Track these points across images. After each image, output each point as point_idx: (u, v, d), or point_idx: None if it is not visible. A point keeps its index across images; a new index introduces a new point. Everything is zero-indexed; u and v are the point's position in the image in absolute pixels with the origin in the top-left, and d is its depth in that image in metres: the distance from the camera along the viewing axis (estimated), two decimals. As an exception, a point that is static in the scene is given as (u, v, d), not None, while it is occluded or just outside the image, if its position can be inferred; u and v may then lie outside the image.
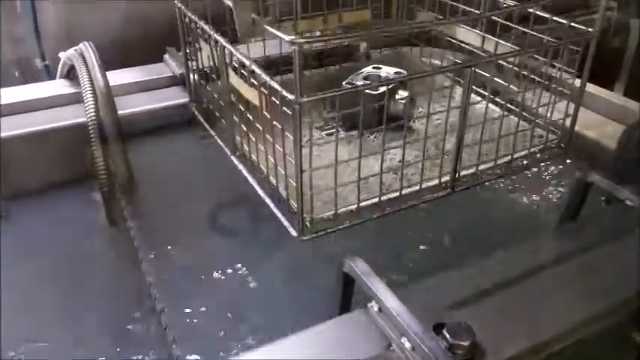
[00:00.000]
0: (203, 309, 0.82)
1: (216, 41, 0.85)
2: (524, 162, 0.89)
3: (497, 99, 0.90)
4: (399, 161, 0.79)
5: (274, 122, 0.74)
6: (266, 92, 0.74)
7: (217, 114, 0.98)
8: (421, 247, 0.89)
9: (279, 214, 0.76)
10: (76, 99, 1.14)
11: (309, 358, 0.59)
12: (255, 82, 0.76)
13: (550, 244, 0.75)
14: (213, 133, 0.99)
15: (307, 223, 0.74)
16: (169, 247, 0.93)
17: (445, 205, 0.86)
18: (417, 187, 0.80)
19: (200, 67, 1.03)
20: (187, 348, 0.74)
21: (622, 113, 1.12)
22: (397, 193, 0.79)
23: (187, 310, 0.82)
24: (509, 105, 0.89)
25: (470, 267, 0.69)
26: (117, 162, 1.00)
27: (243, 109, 0.84)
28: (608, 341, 0.68)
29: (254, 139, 0.83)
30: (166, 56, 1.29)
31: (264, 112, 0.76)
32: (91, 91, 1.03)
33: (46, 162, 1.08)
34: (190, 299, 0.83)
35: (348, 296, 0.69)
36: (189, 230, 0.99)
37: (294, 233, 0.74)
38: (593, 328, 0.65)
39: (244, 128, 0.85)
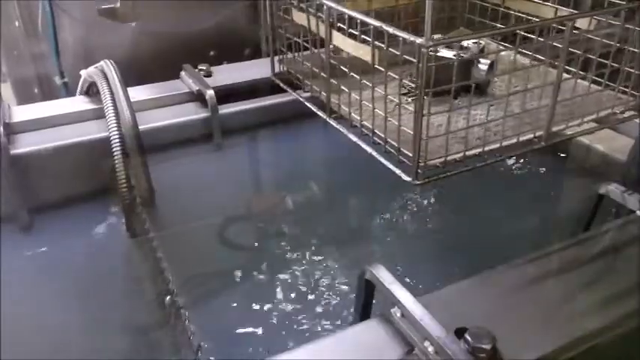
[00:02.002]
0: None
1: (321, 4, 0.89)
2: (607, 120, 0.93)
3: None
4: (489, 120, 0.86)
5: (389, 73, 0.80)
6: (381, 44, 0.78)
7: (307, 82, 1.04)
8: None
9: (389, 164, 0.81)
10: (96, 115, 1.18)
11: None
12: (367, 38, 0.81)
13: (565, 253, 0.77)
14: (303, 100, 1.04)
15: (419, 170, 0.79)
16: (189, 257, 0.95)
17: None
18: (515, 140, 0.86)
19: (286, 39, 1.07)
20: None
21: (631, 127, 1.15)
22: (498, 145, 0.85)
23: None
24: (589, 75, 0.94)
25: (489, 273, 0.71)
26: (138, 175, 1.02)
27: (346, 69, 0.89)
28: (625, 347, 0.69)
29: (358, 98, 0.88)
30: (183, 73, 1.32)
31: (377, 66, 0.81)
32: (112, 107, 1.06)
33: (68, 175, 1.10)
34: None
35: (368, 303, 0.71)
36: (206, 240, 1.01)
37: (407, 179, 0.78)
38: (609, 334, 0.66)
39: (345, 89, 0.90)
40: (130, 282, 0.95)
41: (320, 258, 1.05)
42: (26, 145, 1.09)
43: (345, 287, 0.99)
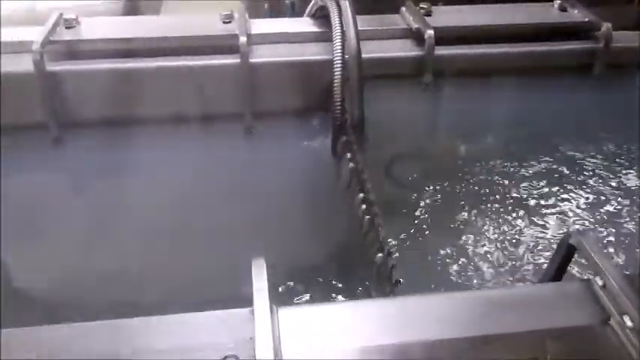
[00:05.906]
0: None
1: None
2: None
3: None
4: None
5: None
6: None
7: None
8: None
9: None
10: (321, 38, 1.27)
11: (528, 313, 0.64)
12: None
13: None
14: None
15: None
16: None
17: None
18: None
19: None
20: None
21: None
22: None
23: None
24: None
25: None
26: (352, 100, 1.10)
27: None
28: None
29: None
30: (403, 9, 1.35)
31: None
32: (340, 33, 1.14)
33: (290, 89, 1.23)
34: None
35: (564, 266, 0.72)
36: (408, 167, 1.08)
37: None
38: None
39: None
40: (328, 192, 1.06)
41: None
42: (260, 56, 1.22)
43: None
